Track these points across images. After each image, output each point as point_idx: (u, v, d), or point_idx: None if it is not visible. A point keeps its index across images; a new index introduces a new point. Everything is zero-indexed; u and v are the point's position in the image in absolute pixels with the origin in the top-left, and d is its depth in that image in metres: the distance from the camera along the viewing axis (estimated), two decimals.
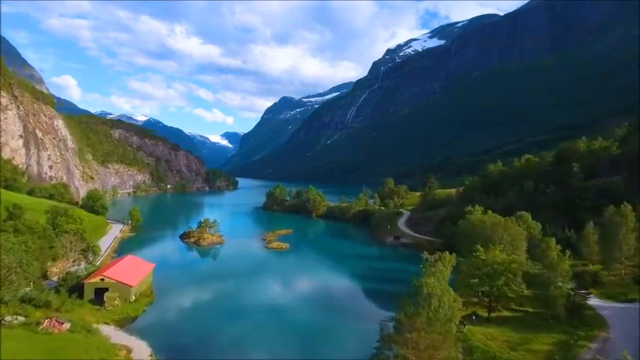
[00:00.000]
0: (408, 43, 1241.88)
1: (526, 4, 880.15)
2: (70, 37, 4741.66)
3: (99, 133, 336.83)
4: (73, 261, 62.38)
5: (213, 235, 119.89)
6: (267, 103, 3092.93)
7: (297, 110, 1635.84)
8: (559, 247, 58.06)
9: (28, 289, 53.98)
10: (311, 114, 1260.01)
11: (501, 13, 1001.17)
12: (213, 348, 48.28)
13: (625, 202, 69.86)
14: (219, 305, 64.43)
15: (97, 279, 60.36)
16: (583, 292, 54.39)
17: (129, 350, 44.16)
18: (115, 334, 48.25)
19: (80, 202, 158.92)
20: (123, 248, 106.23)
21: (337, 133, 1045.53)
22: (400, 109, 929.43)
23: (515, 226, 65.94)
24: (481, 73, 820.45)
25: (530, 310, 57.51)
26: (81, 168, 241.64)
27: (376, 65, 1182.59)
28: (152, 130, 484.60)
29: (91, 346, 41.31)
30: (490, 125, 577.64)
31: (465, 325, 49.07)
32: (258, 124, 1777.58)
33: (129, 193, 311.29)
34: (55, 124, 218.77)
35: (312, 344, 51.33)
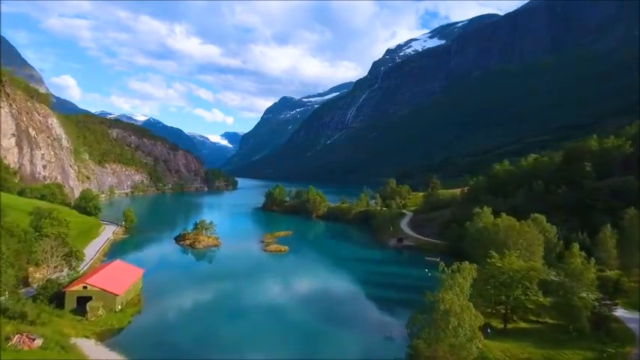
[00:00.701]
0: (408, 43, 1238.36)
1: (526, 4, 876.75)
2: (70, 37, 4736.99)
3: (96, 133, 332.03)
4: (55, 267, 57.86)
5: (209, 237, 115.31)
6: (267, 103, 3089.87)
7: (297, 110, 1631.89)
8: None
9: (2, 298, 49.46)
10: (311, 114, 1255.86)
11: (501, 13, 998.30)
12: None
13: None
14: (211, 315, 59.75)
15: (79, 287, 55.72)
16: (609, 302, 49.82)
17: None
18: (94, 350, 43.72)
19: (73, 203, 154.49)
20: (114, 251, 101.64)
21: (337, 133, 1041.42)
22: (400, 109, 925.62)
23: (533, 230, 61.24)
24: (481, 73, 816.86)
25: (550, 321, 52.96)
26: (76, 168, 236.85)
27: (376, 65, 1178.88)
28: (151, 130, 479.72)
29: None
30: (490, 125, 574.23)
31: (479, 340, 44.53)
32: (258, 124, 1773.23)
33: (126, 194, 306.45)
34: (50, 122, 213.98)
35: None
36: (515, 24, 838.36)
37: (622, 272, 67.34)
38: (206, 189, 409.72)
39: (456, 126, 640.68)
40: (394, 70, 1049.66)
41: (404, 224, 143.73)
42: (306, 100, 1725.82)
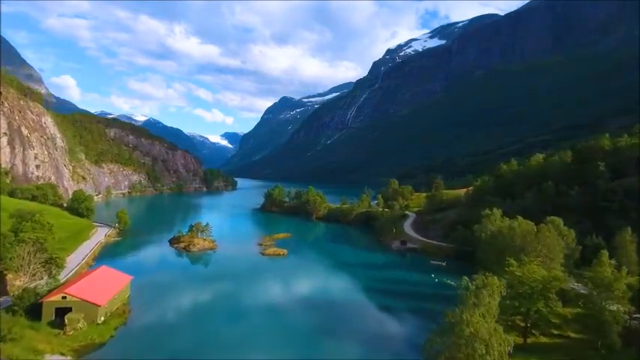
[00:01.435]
0: (408, 43, 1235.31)
1: (527, 3, 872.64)
2: (70, 37, 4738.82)
3: (93, 132, 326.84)
4: (33, 275, 53.21)
5: (204, 239, 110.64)
6: (267, 103, 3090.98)
7: (297, 110, 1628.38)
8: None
9: None
10: (311, 114, 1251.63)
11: (501, 13, 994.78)
12: None
13: None
14: (202, 328, 54.88)
15: (57, 297, 51.00)
16: None
17: None
18: None
19: (65, 204, 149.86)
20: (105, 255, 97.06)
21: (337, 133, 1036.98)
22: (400, 109, 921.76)
23: (554, 235, 56.46)
24: (482, 73, 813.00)
25: (573, 335, 48.33)
26: (71, 168, 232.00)
27: (376, 65, 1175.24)
28: (150, 131, 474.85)
29: None
30: (491, 125, 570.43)
31: None
32: (258, 124, 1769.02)
33: (123, 194, 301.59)
34: (44, 121, 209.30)
35: None
36: (516, 24, 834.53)
37: None
38: (205, 189, 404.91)
39: (456, 126, 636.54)
40: (394, 70, 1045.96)
41: (407, 226, 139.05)
42: (306, 100, 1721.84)
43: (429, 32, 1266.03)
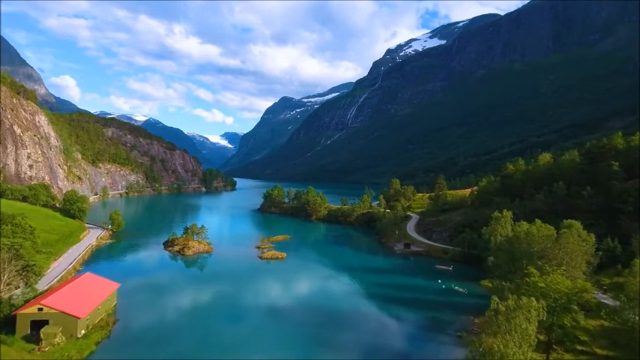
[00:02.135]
0: (408, 42, 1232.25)
1: (528, 3, 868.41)
2: (69, 36, 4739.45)
3: (90, 132, 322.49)
4: (8, 284, 48.72)
5: (200, 242, 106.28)
6: (267, 103, 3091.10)
7: (297, 110, 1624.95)
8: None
9: None
10: (311, 114, 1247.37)
11: (502, 13, 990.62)
12: None
13: None
14: (192, 340, 50.45)
15: (33, 309, 46.57)
16: None
17: None
18: None
19: (58, 205, 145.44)
20: (95, 259, 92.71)
21: (337, 133, 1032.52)
22: (401, 109, 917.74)
23: (577, 240, 51.96)
24: (483, 73, 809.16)
25: (598, 351, 43.91)
26: (66, 168, 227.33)
27: (376, 65, 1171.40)
28: (147, 130, 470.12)
29: None
30: (492, 125, 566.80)
31: None
32: (258, 124, 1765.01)
33: (120, 194, 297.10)
34: (37, 120, 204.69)
35: None
36: (517, 23, 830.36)
37: None
38: (204, 189, 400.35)
39: (456, 126, 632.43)
40: (395, 70, 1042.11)
41: (410, 228, 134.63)
42: (306, 100, 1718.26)
43: (429, 32, 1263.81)
